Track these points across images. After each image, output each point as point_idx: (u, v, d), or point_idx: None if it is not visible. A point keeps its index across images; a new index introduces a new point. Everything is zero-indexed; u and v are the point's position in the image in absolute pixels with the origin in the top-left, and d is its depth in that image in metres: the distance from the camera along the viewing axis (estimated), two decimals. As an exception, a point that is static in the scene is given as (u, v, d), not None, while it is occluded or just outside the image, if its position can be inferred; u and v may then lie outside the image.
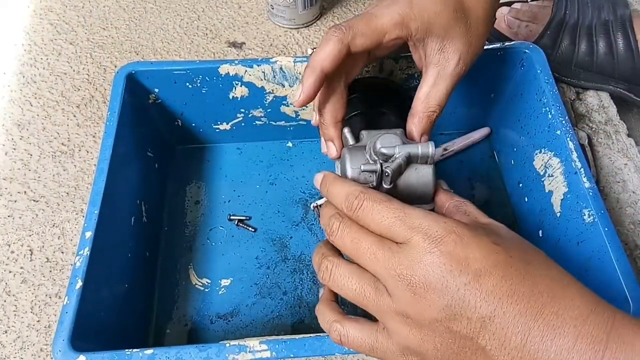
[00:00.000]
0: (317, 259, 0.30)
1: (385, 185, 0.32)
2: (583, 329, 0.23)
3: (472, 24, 0.35)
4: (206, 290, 0.44)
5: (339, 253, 0.30)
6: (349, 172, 0.33)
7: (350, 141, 0.37)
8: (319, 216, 0.46)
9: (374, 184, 0.33)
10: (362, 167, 0.32)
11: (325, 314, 0.30)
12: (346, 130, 0.37)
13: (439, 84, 0.35)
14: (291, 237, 0.47)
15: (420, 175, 0.33)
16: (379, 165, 0.32)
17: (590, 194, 0.37)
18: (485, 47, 0.45)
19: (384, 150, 0.32)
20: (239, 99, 0.47)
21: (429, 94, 0.36)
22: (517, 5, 0.59)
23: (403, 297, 0.25)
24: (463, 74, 0.36)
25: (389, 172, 0.31)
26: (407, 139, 0.36)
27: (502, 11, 0.59)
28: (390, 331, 0.27)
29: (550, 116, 0.42)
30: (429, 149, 0.32)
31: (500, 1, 0.63)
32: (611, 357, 0.22)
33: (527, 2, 0.61)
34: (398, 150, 0.32)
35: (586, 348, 0.23)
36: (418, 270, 0.25)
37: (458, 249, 0.25)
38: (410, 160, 0.32)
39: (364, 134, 0.36)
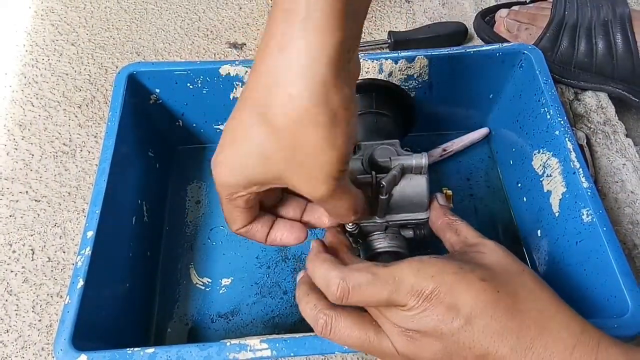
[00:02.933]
0: (309, 312, 0.29)
1: (381, 196, 0.33)
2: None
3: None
4: (207, 289, 0.44)
5: (326, 298, 0.29)
6: None
7: None
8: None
9: (370, 194, 0.34)
10: (358, 179, 0.33)
11: (309, 299, 0.30)
12: None
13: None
14: (291, 237, 0.47)
15: (415, 185, 0.34)
16: (374, 178, 0.33)
17: (589, 193, 0.38)
18: (484, 48, 0.46)
19: (379, 163, 0.33)
20: (239, 99, 0.47)
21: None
22: (515, 8, 0.59)
23: (401, 341, 0.27)
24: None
25: (384, 183, 0.32)
26: (402, 150, 0.36)
27: (501, 14, 0.59)
28: None
29: (548, 116, 0.42)
30: (422, 159, 0.33)
31: (500, 3, 0.64)
32: None
33: (526, 3, 0.61)
34: (393, 162, 0.33)
35: None
36: (415, 326, 0.26)
37: (448, 297, 0.26)
38: (404, 171, 0.33)
39: (360, 146, 0.37)
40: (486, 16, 0.61)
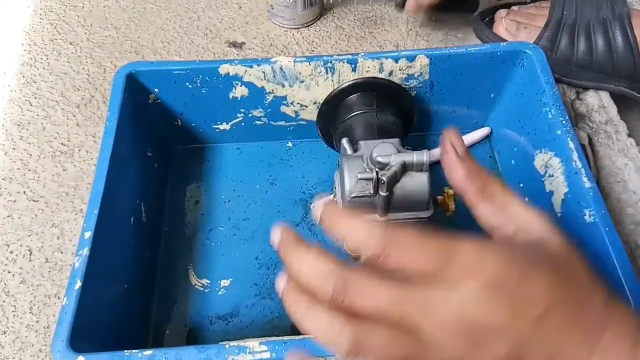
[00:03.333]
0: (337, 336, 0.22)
1: (381, 193, 0.33)
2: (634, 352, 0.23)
3: None
4: (206, 290, 0.44)
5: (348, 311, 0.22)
6: (347, 181, 0.34)
7: (349, 151, 0.37)
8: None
9: (371, 191, 0.34)
10: (359, 176, 0.33)
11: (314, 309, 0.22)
12: (344, 141, 0.38)
13: None
14: (291, 238, 0.47)
15: (416, 182, 0.34)
16: (375, 174, 0.33)
17: (591, 194, 0.37)
18: (485, 47, 0.46)
19: (380, 159, 0.33)
20: (239, 99, 0.47)
21: None
22: (515, 8, 0.59)
23: (456, 346, 0.21)
24: None
25: (385, 179, 0.32)
26: (403, 148, 0.36)
27: (500, 14, 0.59)
28: None
29: (550, 116, 0.42)
30: (424, 156, 0.33)
31: (499, 3, 0.63)
32: None
33: (526, 3, 0.61)
34: (394, 159, 0.33)
35: None
36: (470, 313, 0.21)
37: (516, 291, 0.22)
38: (405, 168, 0.33)
39: (361, 144, 0.37)
40: (485, 17, 0.61)
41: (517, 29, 0.57)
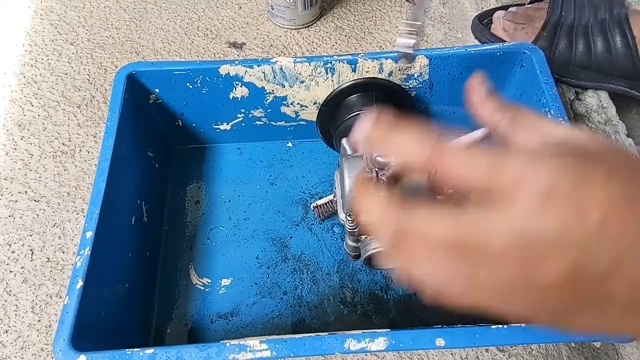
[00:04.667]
0: (401, 259, 0.23)
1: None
2: None
3: None
4: (206, 289, 0.44)
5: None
6: (347, 181, 0.34)
7: (348, 151, 0.38)
8: (319, 216, 0.46)
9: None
10: (359, 176, 0.33)
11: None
12: (344, 141, 0.38)
13: None
14: (291, 237, 0.47)
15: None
16: (374, 174, 0.33)
17: (590, 194, 0.37)
18: (485, 48, 0.46)
19: (379, 159, 0.33)
20: (239, 99, 0.47)
21: None
22: (513, 9, 0.59)
23: (514, 264, 0.21)
24: None
25: (385, 180, 0.32)
26: None
27: (499, 15, 0.59)
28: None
29: (549, 116, 0.42)
30: None
31: (497, 5, 0.64)
32: None
33: (524, 4, 0.61)
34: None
35: None
36: (529, 227, 0.20)
37: (573, 198, 0.20)
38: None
39: None
40: (484, 19, 0.61)
41: (515, 30, 0.57)
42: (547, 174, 0.21)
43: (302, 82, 0.46)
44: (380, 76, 0.46)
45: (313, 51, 0.61)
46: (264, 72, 0.45)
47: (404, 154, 0.24)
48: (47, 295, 0.44)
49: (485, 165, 0.22)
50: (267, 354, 0.31)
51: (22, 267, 0.45)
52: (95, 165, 0.40)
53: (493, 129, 0.27)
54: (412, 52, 0.39)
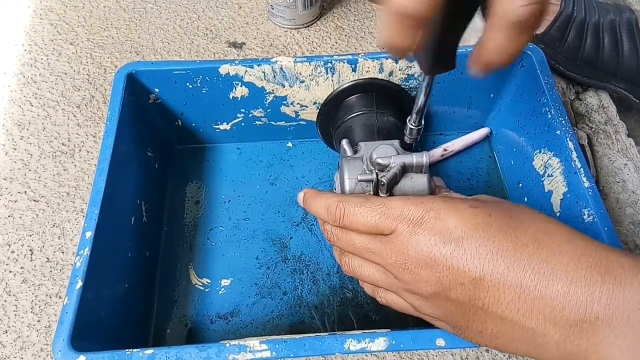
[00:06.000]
0: (337, 254, 0.34)
1: (381, 194, 0.33)
2: (575, 273, 0.23)
3: None
4: (206, 290, 0.44)
5: None
6: (347, 182, 0.34)
7: (348, 152, 0.38)
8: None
9: (371, 193, 0.34)
10: (359, 177, 0.33)
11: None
12: (344, 142, 0.38)
13: None
14: (291, 237, 0.47)
15: (416, 184, 0.34)
16: (375, 175, 0.33)
17: (590, 193, 0.37)
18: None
19: (379, 161, 0.33)
20: (239, 99, 0.47)
21: None
22: None
23: (404, 278, 0.27)
24: None
25: (385, 181, 0.32)
26: (403, 149, 0.36)
27: None
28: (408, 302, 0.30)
29: (549, 116, 0.42)
30: (423, 158, 0.33)
31: None
32: (608, 298, 0.22)
33: None
34: (393, 160, 0.33)
35: (581, 291, 0.23)
36: (408, 254, 0.27)
37: (438, 223, 0.26)
38: (405, 169, 0.33)
39: (361, 145, 0.37)
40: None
41: None
42: (420, 204, 0.27)
43: (302, 82, 0.46)
44: (380, 76, 0.45)
45: (313, 51, 0.61)
46: (264, 72, 0.45)
47: (319, 216, 0.32)
48: (46, 295, 0.44)
49: (377, 210, 0.28)
50: (267, 354, 0.31)
51: (21, 267, 0.45)
52: (95, 165, 0.40)
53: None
54: None
